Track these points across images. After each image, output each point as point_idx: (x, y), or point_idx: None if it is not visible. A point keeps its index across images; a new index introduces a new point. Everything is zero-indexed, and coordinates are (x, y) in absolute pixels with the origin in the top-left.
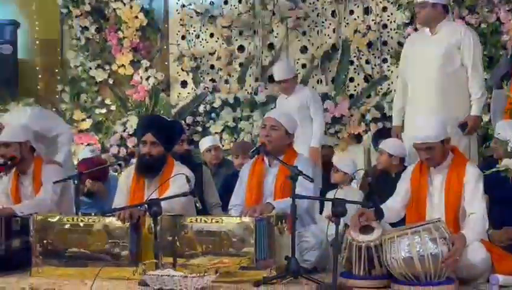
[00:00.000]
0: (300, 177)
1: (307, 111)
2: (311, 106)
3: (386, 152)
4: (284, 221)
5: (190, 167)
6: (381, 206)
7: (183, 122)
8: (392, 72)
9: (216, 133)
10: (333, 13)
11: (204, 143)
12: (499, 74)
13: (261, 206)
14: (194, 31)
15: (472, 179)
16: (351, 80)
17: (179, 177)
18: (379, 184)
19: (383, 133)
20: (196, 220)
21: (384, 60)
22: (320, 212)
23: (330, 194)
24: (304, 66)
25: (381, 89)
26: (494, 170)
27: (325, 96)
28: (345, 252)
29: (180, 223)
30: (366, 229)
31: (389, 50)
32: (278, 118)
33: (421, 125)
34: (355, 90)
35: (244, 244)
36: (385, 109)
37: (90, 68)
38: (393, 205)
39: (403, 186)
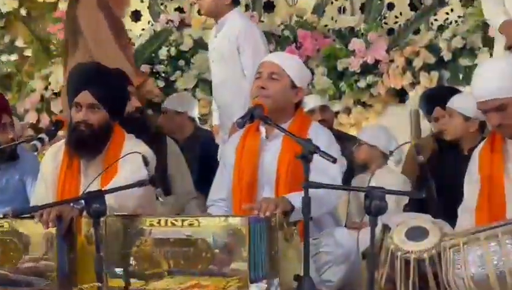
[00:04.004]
0: (317, 157)
1: (237, 59)
2: (240, 49)
3: (458, 113)
4: (292, 222)
5: (147, 140)
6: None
7: None
8: None
9: (185, 89)
10: None
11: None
12: None
13: (279, 201)
14: None
15: None
16: (390, 6)
17: (132, 158)
18: (443, 164)
19: (440, 94)
20: (159, 222)
21: None
22: None
23: (357, 181)
24: None
25: (435, 20)
26: None
27: (351, 33)
28: (385, 267)
29: (135, 228)
30: (416, 233)
31: None
32: (280, 62)
33: (486, 75)
34: (396, 22)
35: (232, 257)
36: (442, 51)
37: None
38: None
39: (473, 185)
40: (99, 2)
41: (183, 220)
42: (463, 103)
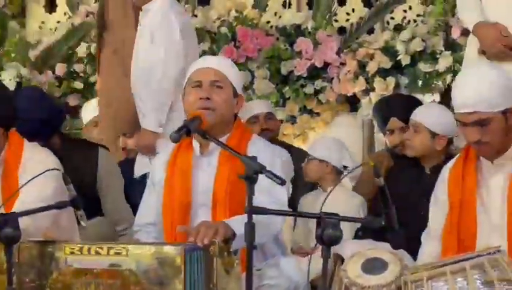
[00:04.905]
0: (263, 178)
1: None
2: (154, 40)
3: (425, 128)
4: (233, 251)
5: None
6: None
7: (50, 73)
8: None
9: None
10: None
11: (87, 112)
12: None
13: (218, 226)
14: None
15: None
16: (341, 1)
17: (35, 171)
18: (401, 184)
19: (397, 103)
20: (81, 249)
21: None
22: None
23: (307, 202)
24: None
25: (392, 19)
26: None
27: (297, 31)
28: None
29: (52, 255)
30: (373, 265)
31: None
32: (221, 68)
33: (472, 84)
34: (348, 20)
35: None
36: (399, 54)
37: None
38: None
39: (440, 209)
40: None
41: (109, 248)
42: (430, 116)
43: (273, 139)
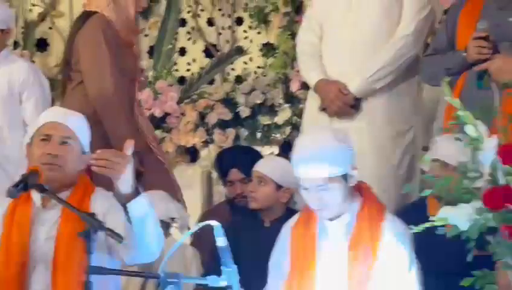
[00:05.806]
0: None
1: (17, 105)
2: (24, 94)
3: (271, 180)
4: None
5: None
6: None
7: None
8: (251, 41)
9: None
10: None
11: None
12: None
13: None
14: None
15: (391, 247)
16: (182, 52)
17: None
18: (239, 238)
19: (237, 154)
20: None
21: (239, 21)
22: None
23: None
24: None
25: (232, 70)
26: (427, 225)
27: None
28: None
29: None
30: None
31: (246, 4)
32: (71, 124)
33: (311, 149)
34: (189, 70)
35: None
36: (239, 105)
37: None
38: None
39: (280, 270)
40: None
41: None
42: (276, 168)
43: None
